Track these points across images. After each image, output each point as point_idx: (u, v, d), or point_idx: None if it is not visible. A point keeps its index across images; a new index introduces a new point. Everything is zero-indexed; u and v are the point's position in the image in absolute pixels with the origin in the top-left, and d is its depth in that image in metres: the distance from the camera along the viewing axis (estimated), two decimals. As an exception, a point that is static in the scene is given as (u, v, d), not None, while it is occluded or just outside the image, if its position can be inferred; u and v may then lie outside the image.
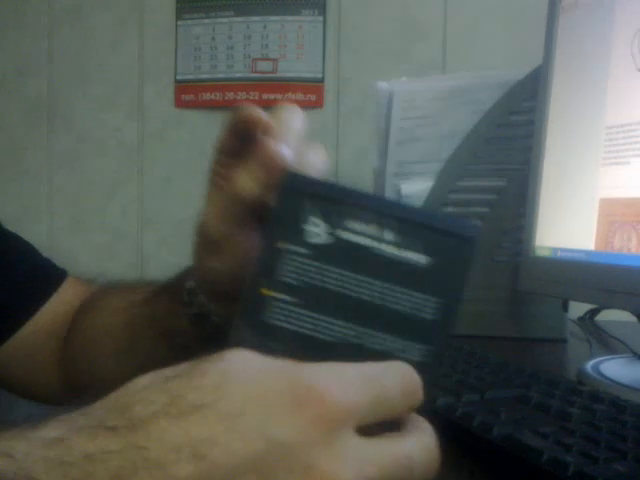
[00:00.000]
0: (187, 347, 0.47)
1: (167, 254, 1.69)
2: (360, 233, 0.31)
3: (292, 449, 0.25)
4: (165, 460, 0.24)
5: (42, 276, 0.62)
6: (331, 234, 0.31)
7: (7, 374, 0.60)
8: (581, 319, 0.93)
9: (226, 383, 0.26)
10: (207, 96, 1.68)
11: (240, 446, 0.25)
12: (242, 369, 0.27)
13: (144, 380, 0.27)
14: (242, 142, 0.41)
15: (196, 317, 0.47)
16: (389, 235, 0.31)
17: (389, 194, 0.91)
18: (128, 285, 0.58)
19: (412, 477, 0.28)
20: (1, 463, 0.24)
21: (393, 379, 0.29)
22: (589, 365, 0.62)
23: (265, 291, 0.31)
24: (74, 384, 0.58)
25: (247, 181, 0.39)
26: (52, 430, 0.25)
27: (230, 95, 1.67)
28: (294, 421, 0.25)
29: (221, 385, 0.26)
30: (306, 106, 1.63)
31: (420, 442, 0.29)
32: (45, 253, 0.65)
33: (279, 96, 1.64)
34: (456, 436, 0.42)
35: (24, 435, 0.25)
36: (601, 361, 0.64)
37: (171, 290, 0.49)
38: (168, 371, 0.28)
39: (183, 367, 0.27)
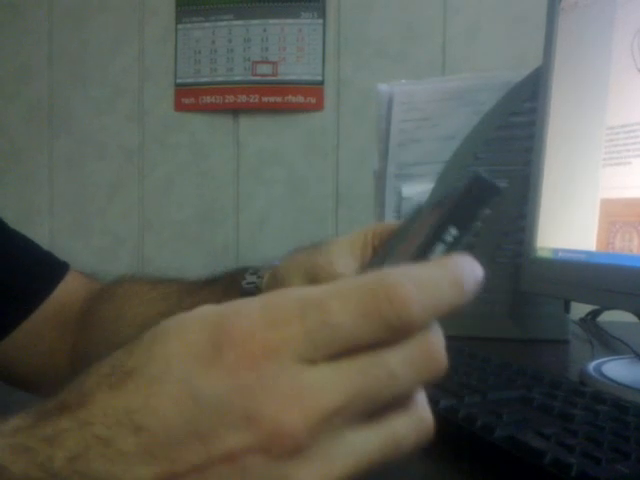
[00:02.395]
0: None
1: (167, 257, 1.69)
2: None
3: (224, 401, 0.23)
4: (111, 435, 0.23)
5: (47, 267, 0.62)
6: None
7: (14, 365, 0.60)
8: (583, 320, 0.93)
9: (153, 343, 0.25)
10: (207, 99, 1.68)
11: (171, 410, 0.23)
12: (171, 327, 0.25)
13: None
14: None
15: None
16: None
17: (389, 196, 0.91)
18: (151, 277, 0.60)
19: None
20: None
21: (341, 302, 0.24)
22: (591, 366, 0.62)
23: None
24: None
25: None
26: (19, 420, 0.25)
27: (230, 98, 1.67)
28: (216, 370, 0.23)
29: (150, 346, 0.25)
30: (306, 109, 1.63)
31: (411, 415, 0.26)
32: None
33: (279, 99, 1.64)
34: (458, 438, 0.42)
35: None
36: (603, 362, 0.64)
37: (227, 283, 0.54)
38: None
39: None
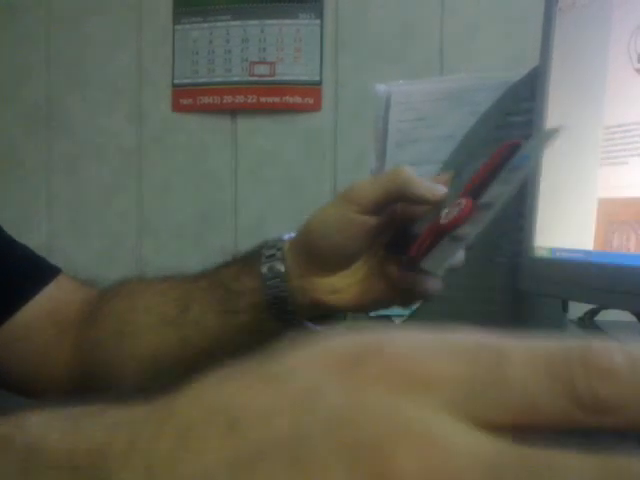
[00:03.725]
0: (245, 325, 0.54)
1: (166, 258, 1.69)
2: None
3: (340, 417, 0.18)
4: (197, 433, 0.20)
5: (36, 268, 0.63)
6: None
7: (4, 366, 0.60)
8: (581, 319, 0.93)
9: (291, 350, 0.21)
10: (205, 100, 1.68)
11: (293, 414, 0.18)
12: (319, 339, 0.20)
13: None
14: None
15: (275, 299, 0.53)
16: None
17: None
18: (156, 276, 0.61)
19: None
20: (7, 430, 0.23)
21: (531, 358, 0.18)
22: (589, 365, 0.62)
23: None
24: (92, 368, 0.59)
25: None
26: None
27: (228, 99, 1.67)
28: (348, 381, 0.18)
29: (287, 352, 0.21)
30: (304, 109, 1.63)
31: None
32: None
33: (277, 99, 1.64)
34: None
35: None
36: (601, 361, 0.64)
37: (243, 261, 0.56)
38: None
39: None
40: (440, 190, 0.52)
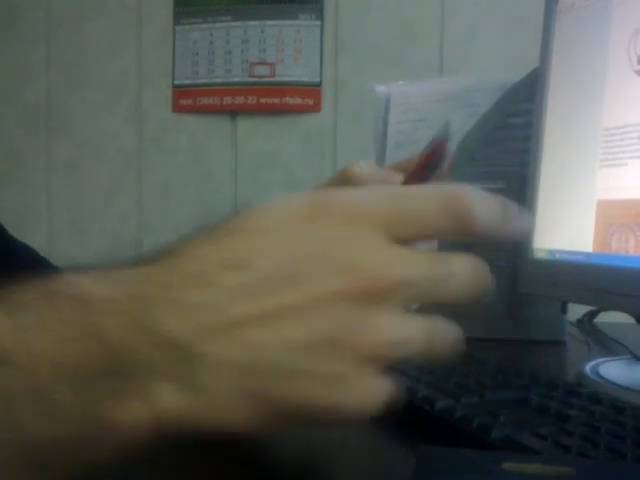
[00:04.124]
0: None
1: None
2: None
3: (325, 248, 0.26)
4: (207, 271, 0.25)
5: (39, 270, 0.62)
6: None
7: None
8: (580, 321, 0.93)
9: (258, 211, 0.28)
10: (205, 100, 1.68)
11: (276, 252, 0.25)
12: (270, 203, 0.29)
13: None
14: None
15: None
16: None
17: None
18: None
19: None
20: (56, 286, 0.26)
21: (425, 196, 0.28)
22: (588, 367, 0.62)
23: None
24: None
25: None
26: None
27: (228, 100, 1.67)
28: (319, 224, 0.26)
29: (254, 212, 0.28)
30: (304, 110, 1.64)
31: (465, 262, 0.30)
32: (43, 258, 0.66)
33: (277, 100, 1.64)
34: (455, 438, 0.42)
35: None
36: (600, 363, 0.64)
37: None
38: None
39: None
40: None
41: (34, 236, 1.73)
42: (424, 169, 0.37)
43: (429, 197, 0.28)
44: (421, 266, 0.27)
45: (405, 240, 0.27)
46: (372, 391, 0.27)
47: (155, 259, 0.26)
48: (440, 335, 0.29)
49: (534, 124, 0.72)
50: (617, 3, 0.62)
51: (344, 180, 0.52)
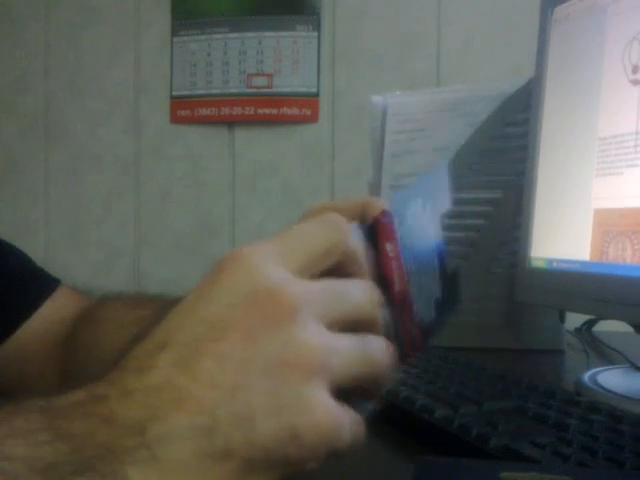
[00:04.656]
0: None
1: (164, 270, 1.69)
2: None
3: (228, 293, 0.28)
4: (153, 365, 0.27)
5: (36, 282, 0.62)
6: None
7: (1, 386, 0.60)
8: (578, 330, 0.93)
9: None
10: (203, 111, 1.69)
11: (188, 318, 0.29)
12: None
13: None
14: None
15: None
16: None
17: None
18: (132, 299, 0.59)
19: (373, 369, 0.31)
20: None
21: (308, 226, 0.32)
22: (586, 376, 0.62)
23: None
24: None
25: None
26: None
27: (226, 110, 1.68)
28: (218, 276, 0.29)
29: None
30: (301, 121, 1.64)
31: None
32: (41, 268, 0.65)
33: (274, 111, 1.65)
34: (453, 448, 0.42)
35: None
36: (598, 372, 0.64)
37: None
38: None
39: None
40: None
41: (31, 245, 1.72)
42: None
43: (311, 226, 0.32)
44: (343, 352, 0.29)
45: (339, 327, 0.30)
46: (327, 412, 0.28)
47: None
48: (375, 349, 0.31)
49: (530, 133, 0.73)
50: (612, 13, 0.63)
51: None
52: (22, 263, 0.63)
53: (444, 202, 0.40)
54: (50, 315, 0.60)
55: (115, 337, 0.55)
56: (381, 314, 0.32)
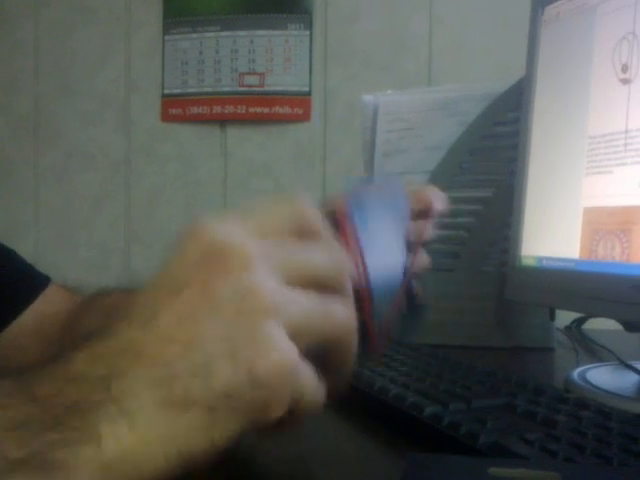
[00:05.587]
0: None
1: (155, 268, 1.68)
2: None
3: (185, 253, 0.31)
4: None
5: (26, 279, 0.62)
6: None
7: None
8: (568, 328, 0.94)
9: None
10: (194, 110, 1.69)
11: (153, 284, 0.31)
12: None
13: None
14: None
15: None
16: None
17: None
18: (130, 289, 0.59)
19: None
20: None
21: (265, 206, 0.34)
22: (576, 373, 0.62)
23: None
24: None
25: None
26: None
27: (217, 109, 1.67)
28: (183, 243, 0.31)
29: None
30: (293, 119, 1.64)
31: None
32: (31, 267, 0.65)
33: (266, 110, 1.65)
34: (443, 445, 0.42)
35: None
36: (588, 369, 0.64)
37: None
38: None
39: None
40: None
41: (22, 244, 1.71)
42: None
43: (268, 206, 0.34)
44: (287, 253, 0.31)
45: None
46: (282, 351, 0.29)
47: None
48: (336, 309, 0.32)
49: (521, 133, 0.73)
50: (601, 13, 0.63)
51: None
52: (12, 261, 0.63)
53: (404, 215, 0.40)
54: (42, 311, 0.61)
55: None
56: (348, 280, 0.33)
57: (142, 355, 0.27)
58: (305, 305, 0.30)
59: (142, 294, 0.30)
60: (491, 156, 0.83)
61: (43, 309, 0.61)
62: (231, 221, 0.31)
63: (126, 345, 0.27)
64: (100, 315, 0.58)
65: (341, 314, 0.32)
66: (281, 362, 0.28)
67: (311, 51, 1.64)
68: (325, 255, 0.32)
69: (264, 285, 0.29)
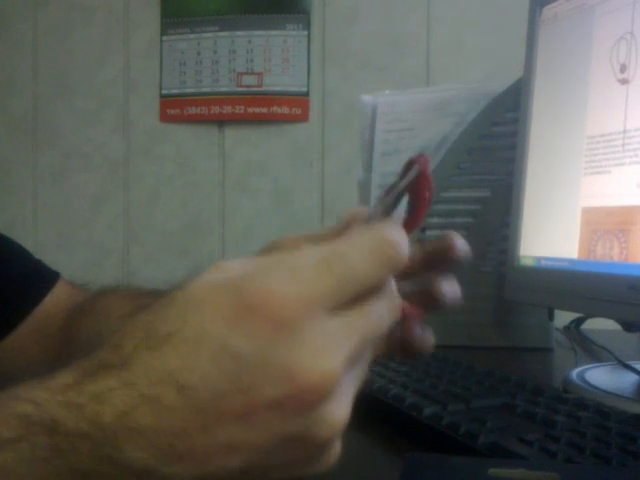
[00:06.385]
0: None
1: (153, 269, 1.68)
2: None
3: (261, 358, 0.25)
4: (156, 394, 0.25)
5: (36, 277, 0.62)
6: None
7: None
8: (567, 328, 0.94)
9: (186, 309, 0.27)
10: (192, 110, 1.68)
11: (211, 369, 0.25)
12: (199, 293, 0.27)
13: (134, 318, 0.29)
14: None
15: None
16: None
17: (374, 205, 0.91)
18: (131, 291, 0.59)
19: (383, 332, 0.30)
20: (27, 408, 0.25)
21: (359, 253, 0.28)
22: (574, 373, 0.62)
23: None
24: None
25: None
26: (64, 377, 0.27)
27: (216, 109, 1.67)
28: (251, 330, 0.25)
29: (182, 312, 0.27)
30: (291, 119, 1.64)
31: (388, 303, 0.30)
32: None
33: (264, 110, 1.65)
34: (442, 445, 0.42)
35: (44, 384, 0.26)
36: (586, 369, 0.64)
37: None
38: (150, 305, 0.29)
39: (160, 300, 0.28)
40: None
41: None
42: (413, 206, 0.35)
43: (362, 252, 0.28)
44: (361, 325, 0.28)
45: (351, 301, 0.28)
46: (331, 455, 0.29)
47: (99, 365, 0.27)
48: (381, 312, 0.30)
49: (519, 133, 0.73)
50: (599, 13, 0.63)
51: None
52: (22, 257, 0.63)
53: None
54: (49, 310, 0.61)
55: (115, 326, 0.55)
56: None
57: None
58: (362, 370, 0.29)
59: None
60: (489, 156, 0.83)
61: (51, 308, 0.61)
62: (305, 293, 0.26)
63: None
64: (99, 318, 0.58)
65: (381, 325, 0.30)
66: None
67: (309, 51, 1.64)
68: (389, 314, 0.30)
69: (342, 420, 0.28)
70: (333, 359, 0.26)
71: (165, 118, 1.70)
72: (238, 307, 0.26)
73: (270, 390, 0.25)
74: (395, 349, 0.35)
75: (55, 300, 0.62)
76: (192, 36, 1.68)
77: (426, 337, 0.35)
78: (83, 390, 0.26)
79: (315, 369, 0.25)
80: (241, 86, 1.66)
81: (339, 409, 0.27)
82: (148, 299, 0.55)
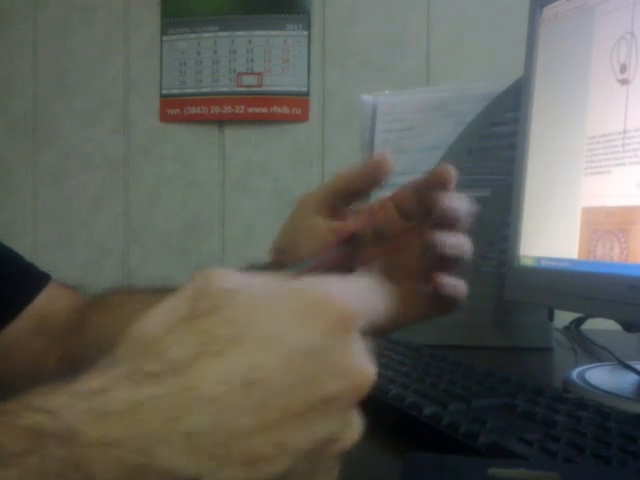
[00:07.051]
0: None
1: (153, 268, 1.68)
2: None
3: (327, 354, 0.27)
4: (218, 394, 0.25)
5: (26, 277, 0.62)
6: None
7: None
8: (567, 328, 0.94)
9: (252, 311, 0.27)
10: (193, 110, 1.68)
11: (284, 363, 0.26)
12: (261, 298, 0.28)
13: (157, 323, 0.29)
14: None
15: None
16: None
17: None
18: (145, 288, 0.59)
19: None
20: (40, 419, 0.23)
21: (375, 290, 0.31)
22: (574, 373, 0.62)
23: None
24: None
25: None
26: (91, 381, 0.25)
27: (216, 109, 1.67)
28: (317, 324, 0.27)
29: (247, 315, 0.27)
30: (291, 120, 1.64)
31: None
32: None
33: (265, 110, 1.65)
34: (442, 445, 0.42)
35: (63, 389, 0.24)
36: (586, 369, 0.64)
37: None
38: (180, 311, 0.29)
39: (196, 305, 0.28)
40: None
41: (20, 245, 1.71)
42: None
43: (376, 291, 0.31)
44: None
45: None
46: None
47: (136, 372, 0.25)
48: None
49: (519, 133, 0.73)
50: (600, 13, 0.63)
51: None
52: (11, 259, 0.63)
53: None
54: (44, 307, 0.61)
55: (138, 316, 0.56)
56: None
57: None
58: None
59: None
60: (489, 156, 0.83)
61: (44, 307, 0.61)
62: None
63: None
64: (109, 315, 0.58)
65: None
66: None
67: (309, 51, 1.64)
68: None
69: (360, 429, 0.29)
70: (373, 364, 0.28)
71: (165, 118, 1.70)
72: (305, 305, 0.27)
73: (331, 383, 0.26)
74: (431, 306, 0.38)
75: (51, 299, 0.62)
76: (192, 36, 1.68)
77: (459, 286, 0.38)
78: (118, 396, 0.24)
79: (365, 369, 0.28)
80: (241, 86, 1.66)
81: (359, 417, 0.29)
82: (165, 292, 0.56)
